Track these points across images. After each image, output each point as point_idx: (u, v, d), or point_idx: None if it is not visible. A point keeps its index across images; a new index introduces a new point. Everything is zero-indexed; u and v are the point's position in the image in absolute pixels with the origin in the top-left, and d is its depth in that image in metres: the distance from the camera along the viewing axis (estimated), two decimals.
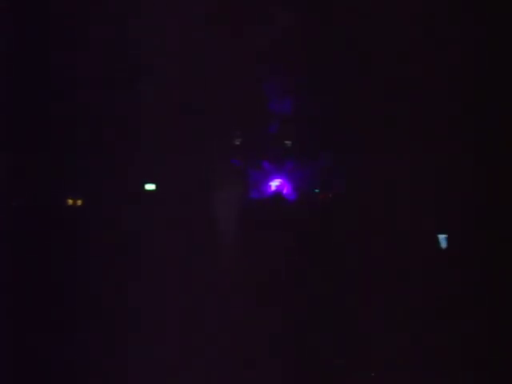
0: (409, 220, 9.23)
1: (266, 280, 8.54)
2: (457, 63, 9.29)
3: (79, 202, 9.79)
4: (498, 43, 8.93)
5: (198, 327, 7.33)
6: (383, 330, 7.13)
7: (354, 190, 9.99)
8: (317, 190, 10.89)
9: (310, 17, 9.95)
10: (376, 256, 8.79)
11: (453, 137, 9.34)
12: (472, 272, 8.10)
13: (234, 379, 6.19)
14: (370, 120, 9.81)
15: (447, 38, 9.40)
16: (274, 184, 11.18)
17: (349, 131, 10.06)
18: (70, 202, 9.73)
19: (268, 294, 8.07)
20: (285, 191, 11.16)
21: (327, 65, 10.09)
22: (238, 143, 10.76)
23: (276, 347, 6.72)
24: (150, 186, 10.32)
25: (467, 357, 6.37)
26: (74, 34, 9.54)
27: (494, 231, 8.45)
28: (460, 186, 9.16)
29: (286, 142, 10.93)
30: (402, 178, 9.54)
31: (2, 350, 6.51)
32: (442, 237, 9.18)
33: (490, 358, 6.20)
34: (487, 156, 8.99)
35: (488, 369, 6.11)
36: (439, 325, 7.09)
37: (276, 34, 9.94)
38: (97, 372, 6.31)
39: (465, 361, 6.34)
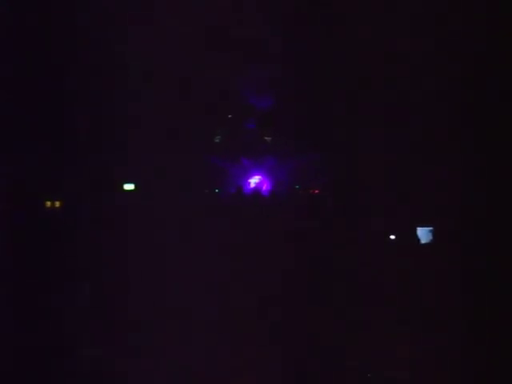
0: (392, 214, 9.21)
1: (252, 279, 8.46)
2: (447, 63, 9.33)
3: (57, 204, 9.59)
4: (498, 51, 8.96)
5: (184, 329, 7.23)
6: (377, 326, 7.09)
7: (337, 185, 9.95)
8: (297, 187, 10.82)
9: (292, 13, 9.88)
10: (361, 251, 8.75)
11: (439, 133, 9.35)
12: (459, 264, 8.09)
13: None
14: (354, 116, 9.77)
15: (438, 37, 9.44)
16: (254, 181, 11.08)
17: (331, 128, 10.01)
18: (49, 203, 9.52)
19: (258, 293, 7.98)
20: (264, 188, 11.07)
21: (308, 61, 10.03)
22: (217, 140, 10.65)
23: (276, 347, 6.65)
24: (128, 186, 10.15)
25: (463, 352, 6.36)
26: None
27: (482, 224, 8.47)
28: (447, 179, 9.17)
29: (266, 138, 10.83)
30: (386, 173, 9.52)
31: None
32: (426, 229, 9.17)
33: (488, 357, 6.18)
34: (477, 152, 9.02)
35: (486, 367, 6.09)
36: (431, 322, 7.07)
37: (257, 31, 9.86)
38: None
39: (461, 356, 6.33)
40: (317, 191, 10.64)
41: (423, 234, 9.15)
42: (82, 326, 7.14)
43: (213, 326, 7.12)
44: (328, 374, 6.12)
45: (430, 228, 9.07)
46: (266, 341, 6.71)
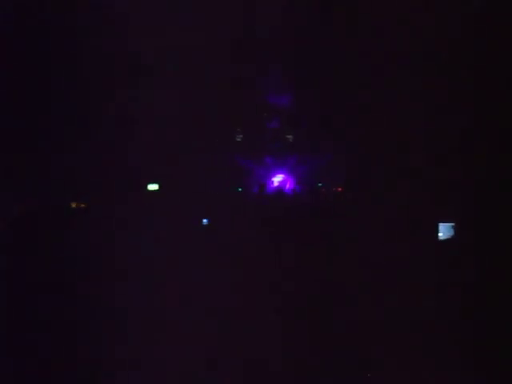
0: (416, 212, 9.19)
1: (269, 278, 8.51)
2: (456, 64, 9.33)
3: (83, 205, 9.74)
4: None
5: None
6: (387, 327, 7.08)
7: (357, 184, 9.97)
8: (320, 185, 10.83)
9: (311, 11, 9.91)
10: (382, 251, 8.76)
11: (455, 127, 9.32)
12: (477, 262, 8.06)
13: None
14: (372, 113, 9.77)
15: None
16: (277, 179, 11.11)
17: (351, 125, 10.02)
18: (74, 204, 9.69)
19: (271, 292, 8.03)
20: (287, 186, 11.10)
21: (328, 58, 10.05)
22: (239, 139, 10.71)
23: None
24: (152, 186, 10.26)
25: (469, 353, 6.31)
26: (72, 33, 9.58)
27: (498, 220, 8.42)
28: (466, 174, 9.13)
29: (288, 136, 10.86)
30: (406, 172, 9.51)
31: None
32: (447, 225, 9.16)
33: (491, 357, 6.13)
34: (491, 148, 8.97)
35: (488, 368, 6.04)
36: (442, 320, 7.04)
37: (276, 28, 9.89)
38: None
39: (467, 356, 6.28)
40: (340, 189, 10.65)
41: (445, 229, 9.16)
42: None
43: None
44: (328, 374, 6.13)
45: (452, 224, 9.08)
46: (266, 337, 6.72)
